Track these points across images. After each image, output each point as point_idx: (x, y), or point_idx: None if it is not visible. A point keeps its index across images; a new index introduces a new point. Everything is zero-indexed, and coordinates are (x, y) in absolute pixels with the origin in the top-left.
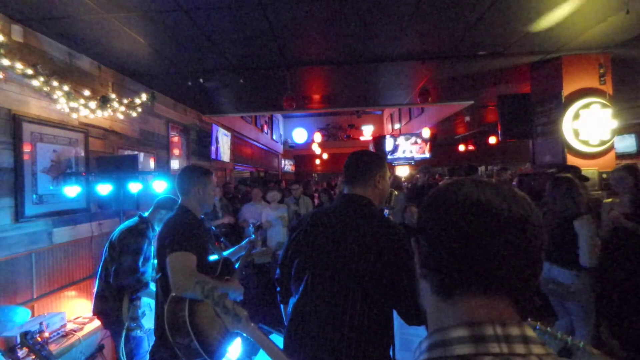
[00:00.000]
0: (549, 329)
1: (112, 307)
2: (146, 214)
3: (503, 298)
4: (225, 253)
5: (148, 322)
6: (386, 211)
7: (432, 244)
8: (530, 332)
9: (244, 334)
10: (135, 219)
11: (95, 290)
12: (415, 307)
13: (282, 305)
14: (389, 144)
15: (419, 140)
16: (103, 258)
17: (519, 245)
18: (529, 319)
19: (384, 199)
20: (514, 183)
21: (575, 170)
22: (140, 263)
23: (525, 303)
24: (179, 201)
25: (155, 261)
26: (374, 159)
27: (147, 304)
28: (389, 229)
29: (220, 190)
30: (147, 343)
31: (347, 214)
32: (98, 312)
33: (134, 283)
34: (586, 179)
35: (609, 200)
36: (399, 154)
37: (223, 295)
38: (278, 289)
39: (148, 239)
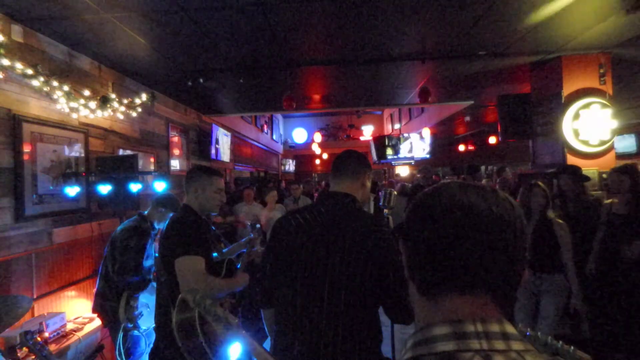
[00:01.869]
0: (539, 334)
1: (111, 306)
2: (146, 212)
3: (484, 296)
4: (225, 250)
5: (146, 322)
6: (386, 211)
7: (417, 245)
8: (510, 329)
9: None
10: (135, 217)
11: (96, 288)
12: (402, 306)
13: (262, 310)
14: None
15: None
16: (104, 256)
17: (499, 245)
18: (520, 325)
19: (367, 198)
20: (497, 180)
21: (575, 169)
22: (143, 261)
23: (507, 301)
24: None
25: (151, 261)
26: (363, 158)
27: (145, 304)
28: (376, 228)
29: None
30: (145, 342)
31: (333, 213)
32: (97, 310)
33: (138, 281)
34: (587, 178)
35: (609, 201)
36: (399, 154)
37: (214, 303)
38: (259, 292)
39: (150, 237)
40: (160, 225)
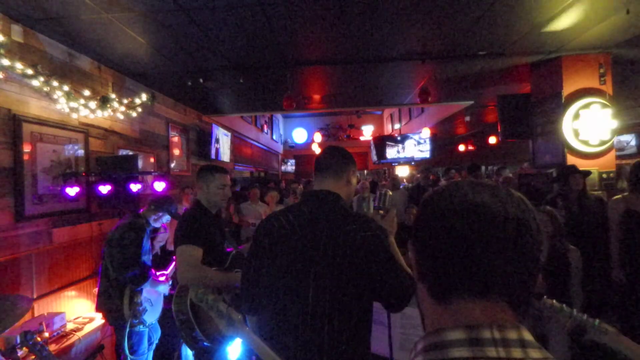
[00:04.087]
0: (563, 306)
1: (115, 303)
2: (141, 211)
3: (500, 301)
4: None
5: (149, 317)
6: (381, 212)
7: (428, 246)
8: (527, 336)
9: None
10: (130, 216)
11: (97, 288)
12: (396, 297)
13: (247, 317)
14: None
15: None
16: (102, 256)
17: (515, 247)
18: (544, 296)
19: (351, 196)
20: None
21: (576, 168)
22: (142, 256)
23: (523, 306)
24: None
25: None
26: (348, 154)
27: (148, 300)
28: (362, 223)
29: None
30: (147, 338)
31: (316, 213)
32: (101, 309)
33: (138, 275)
34: (588, 172)
35: (618, 197)
36: (399, 154)
37: (217, 298)
38: (243, 299)
39: (146, 233)
40: (156, 224)
